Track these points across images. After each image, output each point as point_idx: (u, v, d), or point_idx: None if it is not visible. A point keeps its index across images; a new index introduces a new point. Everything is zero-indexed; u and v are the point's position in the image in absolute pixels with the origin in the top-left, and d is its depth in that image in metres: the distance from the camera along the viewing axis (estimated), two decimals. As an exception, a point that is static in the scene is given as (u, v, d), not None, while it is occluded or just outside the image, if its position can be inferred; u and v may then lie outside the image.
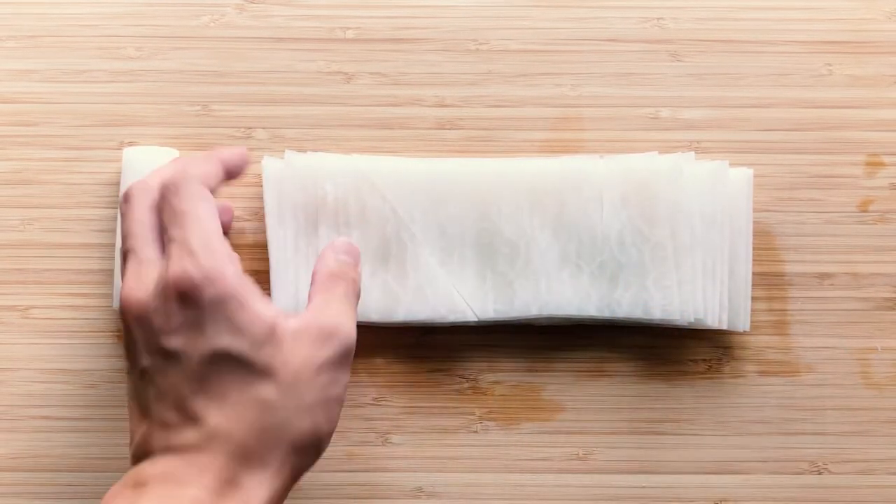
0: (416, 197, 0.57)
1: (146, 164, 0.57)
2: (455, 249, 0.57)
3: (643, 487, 0.57)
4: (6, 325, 0.58)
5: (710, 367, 0.58)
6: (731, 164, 0.58)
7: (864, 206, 0.59)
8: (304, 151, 0.58)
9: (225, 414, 0.46)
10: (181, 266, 0.47)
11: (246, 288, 0.47)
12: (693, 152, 0.58)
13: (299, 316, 0.49)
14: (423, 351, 0.58)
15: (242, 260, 0.57)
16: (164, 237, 0.49)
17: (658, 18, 0.60)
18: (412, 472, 0.57)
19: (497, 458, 0.57)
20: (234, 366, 0.47)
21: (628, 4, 0.60)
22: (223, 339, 0.47)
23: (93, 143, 0.59)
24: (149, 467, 0.46)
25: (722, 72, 0.60)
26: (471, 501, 0.57)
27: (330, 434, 0.49)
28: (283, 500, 0.48)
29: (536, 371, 0.58)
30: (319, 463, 0.55)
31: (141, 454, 0.47)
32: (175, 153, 0.58)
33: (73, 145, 0.59)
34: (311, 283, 0.51)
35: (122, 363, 0.58)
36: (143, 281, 0.48)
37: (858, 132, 0.59)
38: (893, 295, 0.58)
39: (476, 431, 0.58)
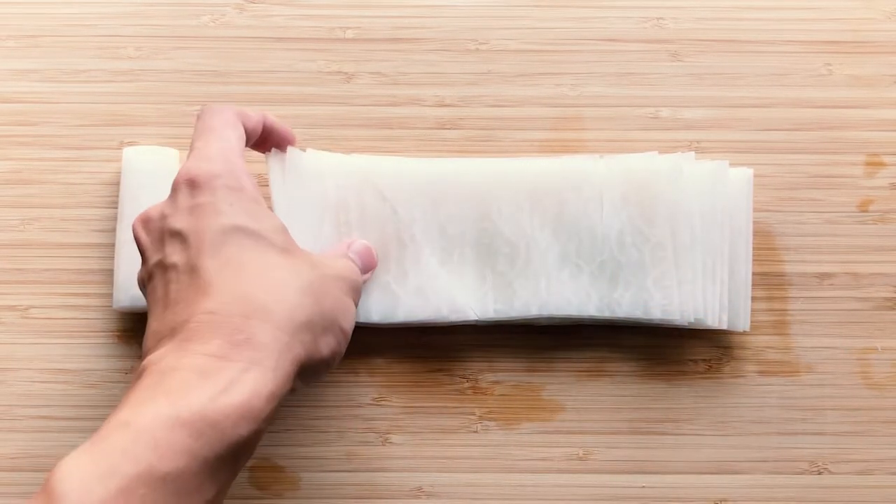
0: (416, 197, 0.57)
1: (146, 164, 0.57)
2: (455, 249, 0.57)
3: (643, 487, 0.57)
4: (6, 324, 0.58)
5: (710, 367, 0.58)
6: (731, 164, 0.58)
7: (864, 206, 0.59)
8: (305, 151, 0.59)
9: (241, 279, 0.45)
10: (195, 164, 0.47)
11: (260, 196, 0.48)
12: (693, 152, 0.58)
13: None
14: (423, 351, 0.58)
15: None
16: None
17: (658, 18, 0.60)
18: (412, 471, 0.57)
19: (497, 458, 0.57)
20: (252, 239, 0.46)
21: (628, 4, 0.60)
22: (240, 218, 0.46)
23: (93, 143, 0.59)
24: (157, 352, 0.44)
25: (722, 72, 0.60)
26: (471, 501, 0.57)
27: (341, 346, 0.48)
28: (288, 386, 0.45)
29: (536, 371, 0.58)
30: (320, 463, 0.55)
31: (150, 346, 0.45)
32: (175, 153, 0.58)
33: (73, 145, 0.59)
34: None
35: (121, 363, 0.58)
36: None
37: (858, 132, 0.59)
38: (893, 295, 0.58)
39: (476, 431, 0.58)
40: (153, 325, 0.46)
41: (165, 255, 0.47)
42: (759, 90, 0.59)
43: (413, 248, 0.56)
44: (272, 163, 0.57)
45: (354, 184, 0.56)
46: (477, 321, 0.56)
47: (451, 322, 0.56)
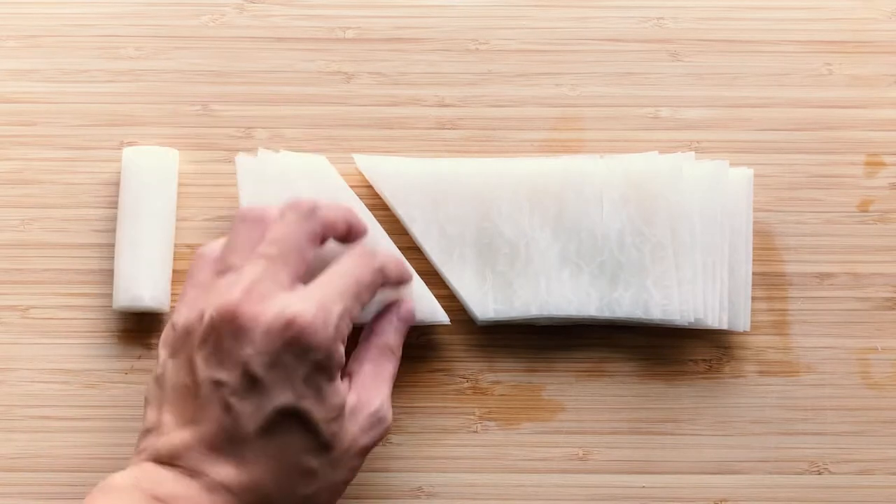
0: (415, 197, 0.57)
1: (146, 164, 0.57)
2: (455, 249, 0.57)
3: (643, 487, 0.57)
4: (6, 325, 0.58)
5: (710, 367, 0.58)
6: (731, 164, 0.58)
7: (864, 206, 0.59)
8: (304, 151, 0.59)
9: (270, 471, 0.47)
10: (307, 310, 0.47)
11: (341, 357, 0.49)
12: (693, 152, 0.58)
13: (354, 389, 0.50)
14: (423, 351, 0.58)
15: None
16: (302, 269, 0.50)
17: (658, 18, 0.60)
18: (412, 471, 0.57)
19: (497, 458, 0.57)
20: (302, 430, 0.48)
21: (628, 4, 0.60)
22: (307, 403, 0.47)
23: (93, 143, 0.59)
24: (172, 483, 0.46)
25: (722, 71, 0.60)
26: (471, 501, 0.57)
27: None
28: None
29: (536, 371, 0.58)
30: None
31: (165, 454, 0.47)
32: (175, 153, 0.58)
33: (73, 145, 0.59)
34: (365, 340, 0.53)
35: (121, 363, 0.58)
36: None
37: (858, 132, 0.59)
38: (893, 295, 0.58)
39: (476, 431, 0.58)
40: (181, 431, 0.48)
41: (232, 383, 0.47)
42: (759, 90, 0.59)
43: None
44: (240, 165, 0.57)
45: (327, 183, 0.56)
46: (449, 322, 0.56)
47: (427, 323, 0.56)
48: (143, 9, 0.60)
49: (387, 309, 0.54)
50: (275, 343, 0.47)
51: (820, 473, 0.57)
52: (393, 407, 0.57)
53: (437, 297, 0.56)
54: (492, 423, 0.58)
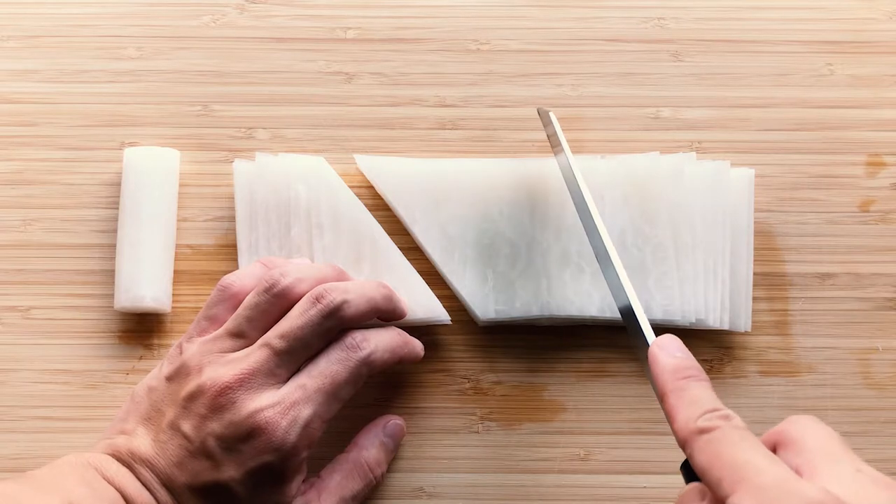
0: (416, 197, 0.57)
1: (147, 164, 0.57)
2: (456, 249, 0.57)
3: (644, 488, 0.57)
4: (7, 325, 0.58)
5: (711, 367, 0.58)
6: (733, 164, 0.58)
7: (865, 207, 0.59)
8: (304, 151, 0.59)
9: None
10: (275, 421, 0.50)
11: (298, 464, 0.52)
12: (694, 152, 0.58)
13: (314, 492, 0.54)
14: (424, 351, 0.57)
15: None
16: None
17: (659, 18, 0.60)
18: (413, 472, 0.57)
19: (498, 459, 0.57)
20: None
21: (629, 4, 0.60)
22: (245, 490, 0.51)
23: (93, 144, 0.59)
24: (122, 475, 0.50)
25: (723, 72, 0.60)
26: (472, 502, 0.57)
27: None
28: None
29: (537, 371, 0.58)
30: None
31: (126, 454, 0.51)
32: (175, 153, 0.58)
33: (73, 145, 0.59)
34: (347, 449, 0.56)
35: (122, 364, 0.58)
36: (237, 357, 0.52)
37: (859, 132, 0.59)
38: (894, 295, 0.58)
39: (477, 432, 0.58)
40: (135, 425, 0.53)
41: (185, 426, 0.51)
42: (760, 90, 0.59)
43: (386, 249, 0.56)
44: (237, 169, 0.57)
45: (326, 185, 0.56)
46: (451, 322, 0.56)
47: (428, 322, 0.56)
48: (143, 9, 0.60)
49: (374, 423, 0.56)
50: (238, 434, 0.50)
51: (821, 473, 0.57)
52: (394, 407, 0.57)
53: (439, 297, 0.57)
54: (493, 424, 0.58)
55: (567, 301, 0.56)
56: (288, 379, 0.51)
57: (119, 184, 0.58)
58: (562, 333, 0.58)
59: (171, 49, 0.60)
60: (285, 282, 0.52)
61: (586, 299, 0.56)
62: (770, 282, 0.58)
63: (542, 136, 0.59)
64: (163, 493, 0.50)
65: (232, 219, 0.58)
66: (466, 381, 0.58)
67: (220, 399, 0.50)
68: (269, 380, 0.51)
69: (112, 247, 0.58)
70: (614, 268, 0.50)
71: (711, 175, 0.57)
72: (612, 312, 0.56)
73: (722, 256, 0.56)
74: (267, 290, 0.52)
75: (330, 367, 0.52)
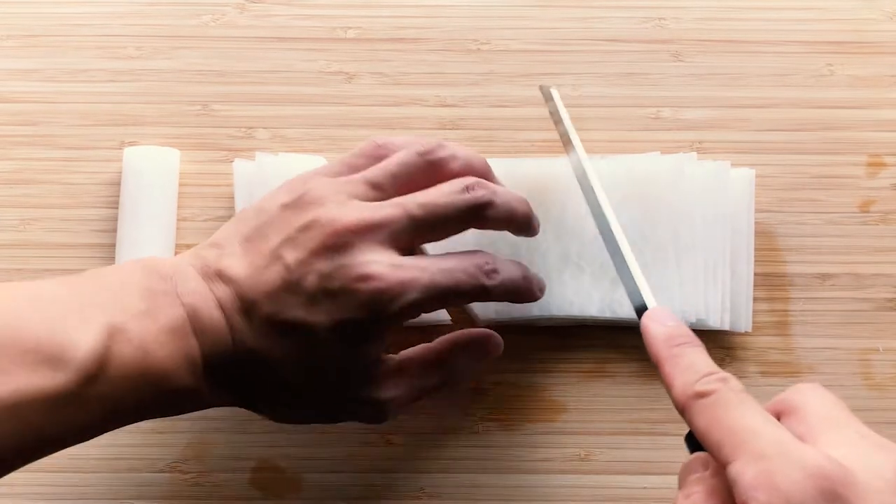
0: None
1: (147, 164, 0.57)
2: (456, 250, 0.57)
3: (645, 488, 0.57)
4: (6, 325, 0.58)
5: (711, 367, 0.58)
6: (733, 165, 0.58)
7: (865, 207, 0.59)
8: (305, 151, 0.59)
9: (296, 353, 0.48)
10: (388, 279, 0.47)
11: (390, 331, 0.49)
12: (695, 153, 0.58)
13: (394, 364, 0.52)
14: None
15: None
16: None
17: (659, 18, 0.60)
18: (413, 472, 0.57)
19: (498, 459, 0.57)
20: (322, 347, 0.48)
21: (629, 4, 0.60)
22: (334, 336, 0.47)
23: (93, 143, 0.59)
24: (197, 286, 0.48)
25: (723, 72, 0.60)
26: (472, 502, 0.57)
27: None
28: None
29: (538, 371, 0.58)
30: (321, 464, 0.55)
31: (213, 271, 0.48)
32: (176, 153, 0.58)
33: (73, 145, 0.59)
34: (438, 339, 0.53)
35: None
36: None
37: (860, 132, 0.59)
38: (895, 296, 0.58)
39: (477, 432, 0.58)
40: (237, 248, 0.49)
41: (291, 256, 0.47)
42: (760, 90, 0.59)
43: None
44: (237, 169, 0.57)
45: None
46: (451, 321, 0.56)
47: (426, 323, 0.56)
48: (143, 8, 0.60)
49: (478, 333, 0.54)
50: (343, 279, 0.46)
51: (821, 474, 0.57)
52: (394, 407, 0.57)
53: (439, 297, 0.56)
54: (493, 424, 0.58)
55: (567, 301, 0.56)
56: (405, 255, 0.48)
57: (119, 183, 0.58)
58: (562, 334, 0.58)
59: (171, 48, 0.60)
60: (442, 153, 0.50)
61: (586, 299, 0.56)
62: (770, 282, 0.58)
63: (542, 136, 0.59)
64: (237, 320, 0.47)
65: (228, 218, 0.58)
66: (467, 381, 0.58)
67: (336, 239, 0.47)
68: (391, 242, 0.48)
69: (111, 247, 0.58)
70: (622, 253, 0.50)
71: (712, 175, 0.57)
72: (612, 313, 0.56)
73: (722, 257, 0.56)
74: (422, 154, 0.50)
75: (455, 273, 0.49)
